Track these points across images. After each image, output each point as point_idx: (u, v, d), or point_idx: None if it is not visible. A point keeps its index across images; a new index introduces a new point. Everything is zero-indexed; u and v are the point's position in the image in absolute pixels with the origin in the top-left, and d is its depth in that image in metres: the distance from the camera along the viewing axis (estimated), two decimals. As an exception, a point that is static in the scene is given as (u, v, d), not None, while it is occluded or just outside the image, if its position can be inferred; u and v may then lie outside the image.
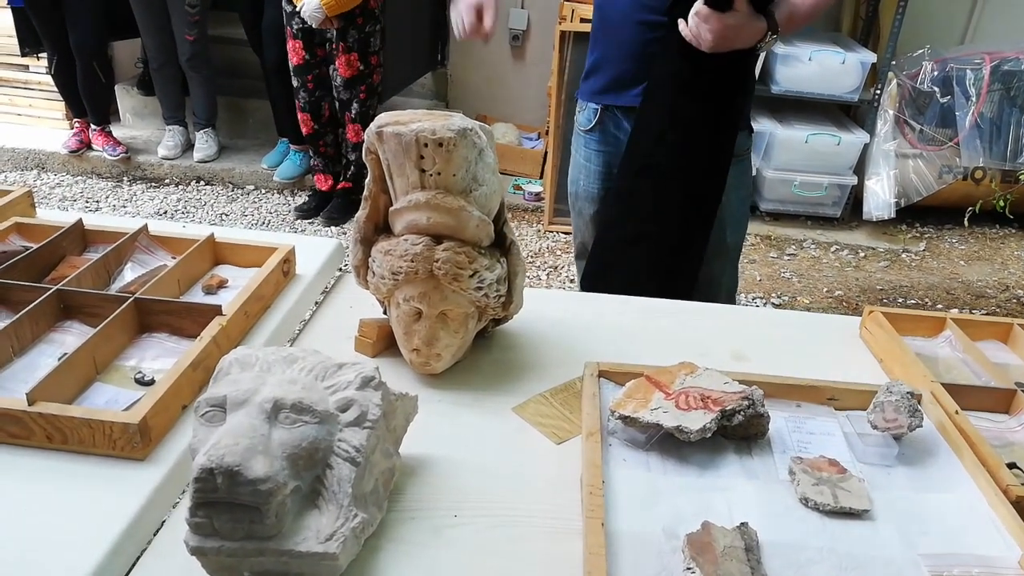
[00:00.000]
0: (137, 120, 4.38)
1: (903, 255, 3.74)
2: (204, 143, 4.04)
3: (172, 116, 4.04)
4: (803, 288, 3.39)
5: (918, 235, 3.93)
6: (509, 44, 4.38)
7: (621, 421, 0.93)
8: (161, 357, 1.05)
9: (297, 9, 3.14)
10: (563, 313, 1.28)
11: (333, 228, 3.64)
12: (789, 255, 3.67)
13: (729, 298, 1.91)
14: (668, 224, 1.61)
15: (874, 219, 3.82)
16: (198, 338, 1.02)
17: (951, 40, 4.04)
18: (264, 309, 1.19)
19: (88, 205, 3.77)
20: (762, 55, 2.11)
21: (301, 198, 3.89)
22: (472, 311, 1.06)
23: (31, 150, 4.09)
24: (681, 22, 1.45)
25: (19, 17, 3.70)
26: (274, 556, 0.71)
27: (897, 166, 3.79)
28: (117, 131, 4.16)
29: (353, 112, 3.43)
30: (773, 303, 3.24)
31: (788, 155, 3.78)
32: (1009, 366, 1.18)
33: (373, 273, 1.06)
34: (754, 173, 3.77)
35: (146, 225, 1.28)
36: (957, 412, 0.99)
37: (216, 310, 1.07)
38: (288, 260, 1.27)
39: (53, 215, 1.40)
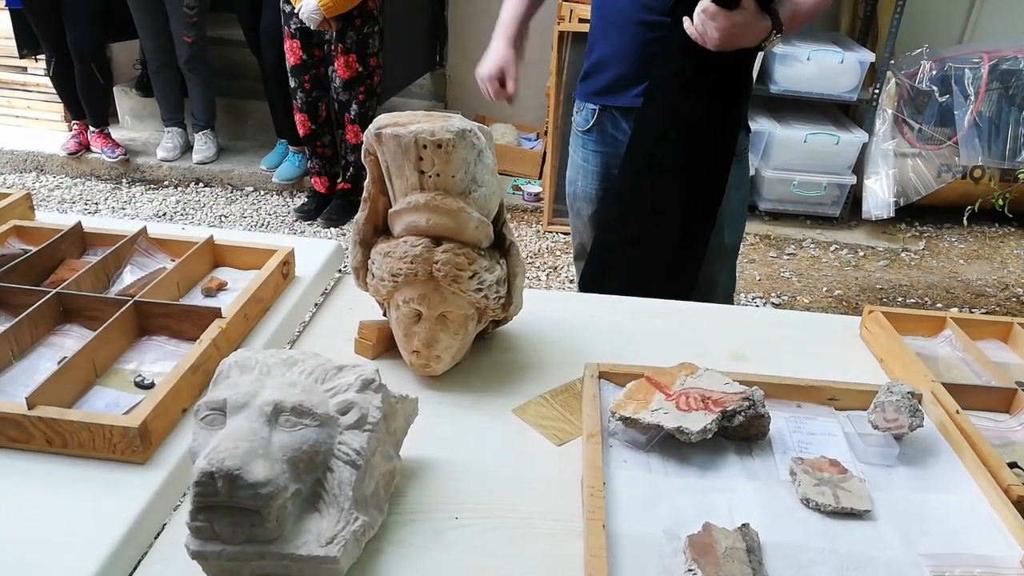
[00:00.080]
0: (136, 122, 4.37)
1: (902, 254, 3.74)
2: (203, 145, 4.03)
3: (171, 118, 4.04)
4: (803, 288, 3.39)
5: (917, 234, 3.93)
6: (508, 44, 4.38)
7: (622, 422, 0.93)
8: (161, 360, 1.05)
9: (295, 10, 3.14)
10: (563, 314, 1.28)
11: (332, 229, 3.64)
12: (788, 255, 3.68)
13: (727, 298, 1.91)
14: (670, 224, 1.61)
15: (873, 218, 3.82)
16: (198, 341, 1.02)
17: (949, 39, 4.04)
18: (264, 311, 1.18)
19: (87, 207, 3.77)
20: (761, 54, 2.11)
21: (300, 199, 3.89)
22: (472, 313, 1.05)
23: (30, 152, 4.08)
24: (686, 20, 1.45)
25: (17, 19, 3.70)
26: (275, 560, 0.71)
27: (896, 165, 3.79)
28: (116, 133, 4.16)
29: (352, 113, 3.43)
30: (773, 303, 3.24)
31: (787, 155, 3.78)
32: (1009, 365, 1.18)
33: (372, 275, 1.06)
34: (753, 173, 3.77)
35: (145, 228, 1.28)
36: (958, 412, 0.99)
37: (216, 313, 1.07)
38: (287, 262, 1.27)
39: (52, 218, 1.40)
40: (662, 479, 0.88)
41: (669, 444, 0.92)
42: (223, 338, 1.04)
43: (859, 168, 3.84)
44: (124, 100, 4.34)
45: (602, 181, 1.81)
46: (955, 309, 3.25)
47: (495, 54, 1.78)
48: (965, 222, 3.93)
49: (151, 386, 0.99)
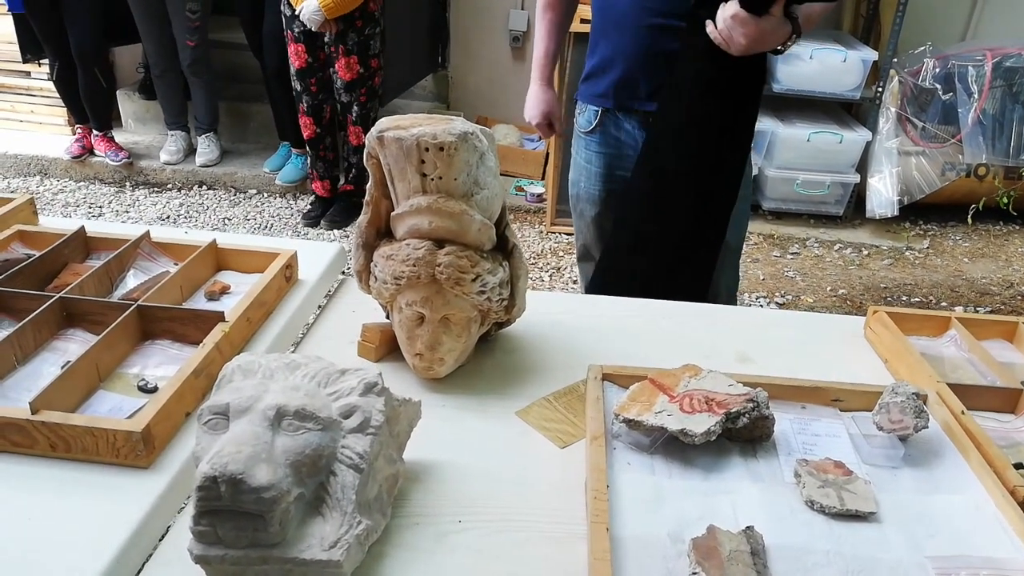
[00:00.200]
0: (139, 125, 4.38)
1: (907, 253, 3.73)
2: (206, 148, 4.04)
3: (174, 121, 4.05)
4: (807, 287, 3.38)
5: (921, 233, 3.92)
6: (509, 45, 4.38)
7: (625, 424, 0.93)
8: (164, 364, 1.05)
9: (297, 12, 3.14)
10: (566, 315, 1.28)
11: (336, 231, 3.65)
12: (792, 254, 3.67)
13: (730, 298, 1.90)
14: (688, 225, 1.61)
15: (877, 217, 3.81)
16: (201, 345, 1.02)
17: (952, 37, 4.03)
18: (267, 315, 1.19)
19: (91, 211, 3.78)
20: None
21: (303, 201, 3.90)
22: (475, 315, 1.05)
23: (33, 156, 4.09)
24: (709, 24, 1.44)
25: (20, 23, 3.71)
26: (278, 564, 0.71)
27: (900, 164, 3.78)
28: (119, 136, 4.17)
29: (354, 115, 3.43)
30: (776, 302, 3.24)
31: (790, 154, 3.77)
32: (1015, 365, 1.17)
33: (375, 278, 1.06)
34: (756, 172, 3.76)
35: (148, 232, 1.28)
36: (963, 412, 0.98)
37: (219, 316, 1.07)
38: (290, 265, 1.27)
39: (55, 222, 1.41)
40: (666, 481, 0.88)
41: (673, 446, 0.92)
42: (226, 342, 1.04)
43: (863, 167, 3.83)
44: (127, 104, 4.35)
45: (605, 182, 1.81)
46: (960, 308, 3.24)
47: (538, 100, 1.95)
48: (969, 220, 3.92)
49: (154, 390, 0.99)
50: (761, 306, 3.18)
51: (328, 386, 0.80)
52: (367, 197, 1.07)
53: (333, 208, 3.70)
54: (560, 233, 3.72)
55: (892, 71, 3.73)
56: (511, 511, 0.87)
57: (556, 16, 1.89)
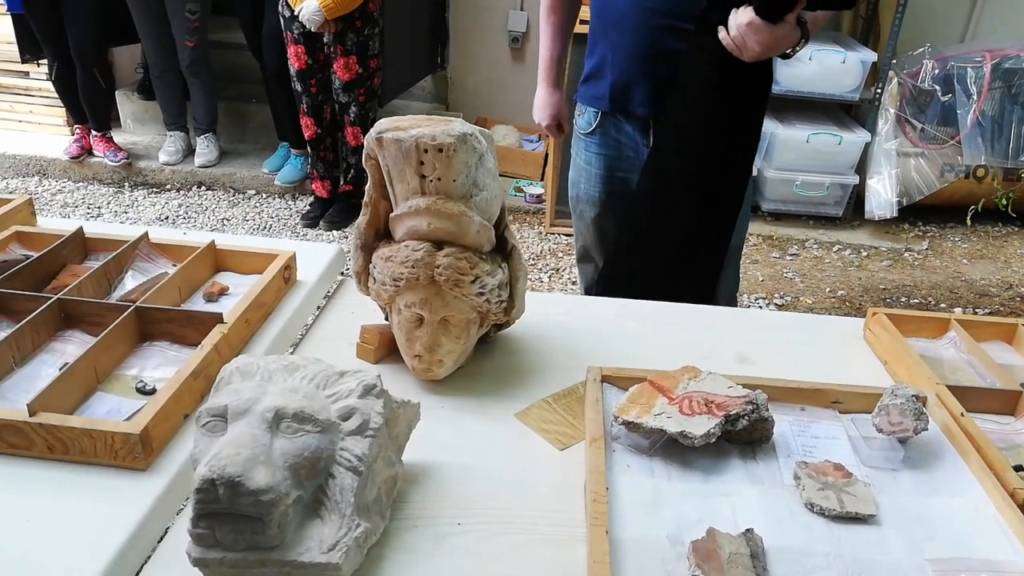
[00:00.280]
0: (138, 126, 4.38)
1: (906, 254, 3.73)
2: (205, 148, 4.04)
3: (173, 122, 4.05)
4: (806, 288, 3.39)
5: (920, 234, 3.92)
6: (509, 46, 4.38)
7: (624, 426, 0.93)
8: (162, 366, 1.05)
9: (296, 12, 3.14)
10: (565, 317, 1.28)
11: (335, 232, 3.64)
12: (791, 255, 3.67)
13: (730, 300, 1.90)
14: (695, 228, 1.61)
15: (876, 218, 3.81)
16: (199, 346, 1.02)
17: (951, 38, 4.03)
18: (265, 316, 1.18)
19: (90, 211, 3.77)
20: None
21: (302, 202, 3.90)
22: (474, 317, 1.05)
23: (32, 157, 4.09)
24: (722, 30, 1.44)
25: (19, 24, 3.70)
26: (277, 567, 0.71)
27: (899, 165, 3.78)
28: (118, 137, 4.17)
29: (352, 115, 3.43)
30: (776, 303, 3.24)
31: (789, 155, 3.77)
32: (1014, 367, 1.17)
33: (374, 279, 1.06)
34: (755, 173, 3.76)
35: (146, 233, 1.28)
36: (963, 415, 0.98)
37: (217, 318, 1.07)
38: (289, 267, 1.26)
39: (53, 223, 1.40)
40: (665, 484, 0.88)
41: (672, 448, 0.92)
42: (225, 343, 1.04)
43: (862, 168, 3.83)
44: (126, 104, 4.35)
45: (605, 184, 1.80)
46: (959, 309, 3.24)
47: (546, 103, 1.97)
48: (968, 222, 3.92)
49: (152, 392, 0.99)
50: (760, 307, 3.18)
51: (327, 388, 0.79)
52: (366, 198, 1.07)
53: (332, 209, 3.70)
54: (559, 234, 3.72)
55: (891, 72, 3.73)
56: (510, 513, 0.87)
57: (559, 19, 1.89)
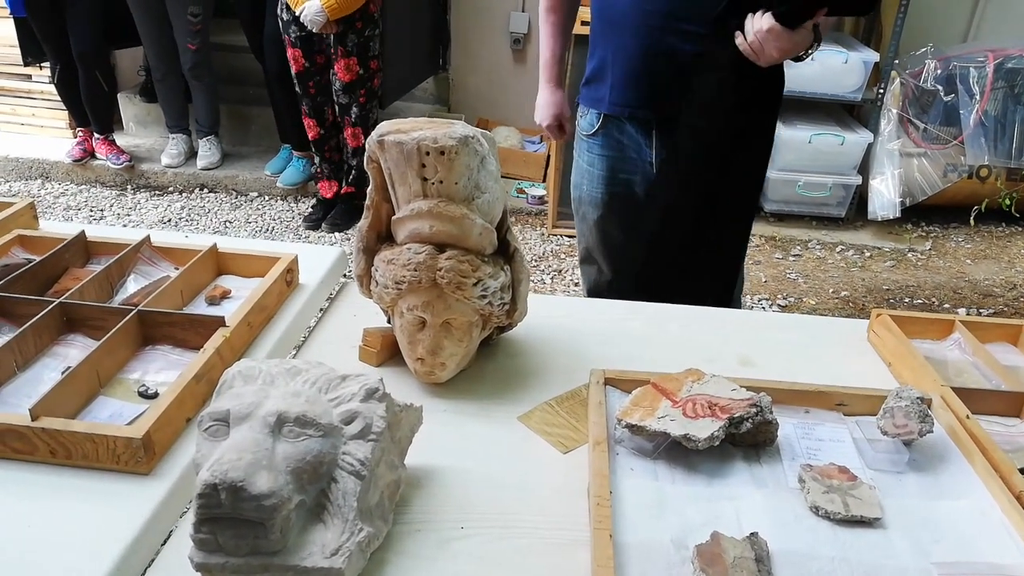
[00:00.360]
0: (140, 128, 4.39)
1: (909, 255, 3.72)
2: (207, 151, 4.04)
3: (175, 124, 4.05)
4: (809, 289, 3.38)
5: (924, 234, 3.92)
6: (510, 47, 4.38)
7: (628, 430, 0.93)
8: (164, 370, 1.05)
9: (297, 14, 3.14)
10: (568, 319, 1.28)
11: (337, 234, 3.64)
12: (794, 256, 3.66)
13: (734, 301, 1.90)
14: (710, 233, 1.60)
15: (879, 219, 3.80)
16: (201, 350, 1.01)
17: (954, 38, 4.02)
18: (267, 319, 1.18)
19: (92, 214, 3.78)
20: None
21: (304, 204, 3.90)
22: (476, 319, 1.05)
23: (35, 159, 4.10)
24: (739, 35, 1.44)
25: (21, 27, 3.71)
26: (279, 572, 0.70)
27: (902, 165, 3.77)
28: (120, 140, 4.17)
29: (353, 116, 3.43)
30: (779, 304, 3.23)
31: (792, 155, 3.76)
32: (1019, 368, 1.17)
33: (376, 282, 1.06)
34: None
35: (148, 236, 1.28)
36: (968, 416, 0.98)
37: (219, 321, 1.06)
38: (291, 270, 1.26)
39: (56, 227, 1.40)
40: (669, 487, 0.88)
41: (676, 451, 0.91)
42: (227, 347, 1.04)
43: (864, 168, 3.83)
44: (128, 107, 4.35)
45: (608, 185, 1.80)
46: (963, 310, 3.24)
47: (548, 103, 1.96)
48: (972, 222, 3.92)
49: (155, 396, 0.99)
50: (763, 309, 3.18)
51: (329, 392, 0.79)
52: (368, 201, 1.06)
53: (334, 211, 3.70)
54: (562, 235, 3.71)
55: (893, 72, 3.72)
56: (513, 517, 0.87)
57: (559, 18, 1.89)
